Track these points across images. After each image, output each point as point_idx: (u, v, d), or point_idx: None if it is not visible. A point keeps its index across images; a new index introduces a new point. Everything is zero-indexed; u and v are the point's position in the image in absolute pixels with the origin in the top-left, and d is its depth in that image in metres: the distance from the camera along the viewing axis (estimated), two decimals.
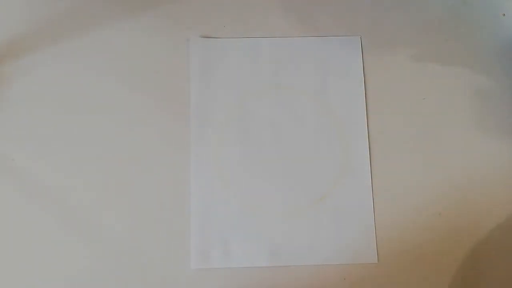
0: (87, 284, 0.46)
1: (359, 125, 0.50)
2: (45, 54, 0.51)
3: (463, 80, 0.52)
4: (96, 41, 0.51)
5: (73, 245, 0.46)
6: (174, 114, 0.50)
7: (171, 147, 0.49)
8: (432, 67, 0.52)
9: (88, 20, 0.52)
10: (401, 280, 0.47)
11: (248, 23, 0.52)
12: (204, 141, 0.49)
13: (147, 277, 0.46)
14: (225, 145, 0.49)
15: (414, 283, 0.47)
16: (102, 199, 0.47)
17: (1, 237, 0.46)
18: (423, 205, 0.48)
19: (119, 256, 0.46)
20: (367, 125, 0.50)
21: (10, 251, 0.46)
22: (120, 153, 0.49)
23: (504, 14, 0.54)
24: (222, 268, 0.46)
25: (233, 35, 0.52)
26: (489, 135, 0.50)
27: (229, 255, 0.47)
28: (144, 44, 0.52)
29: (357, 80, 0.51)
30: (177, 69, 0.51)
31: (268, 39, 0.52)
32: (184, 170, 0.48)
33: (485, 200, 0.49)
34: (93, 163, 0.48)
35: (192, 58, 0.51)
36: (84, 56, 0.51)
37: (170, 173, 0.48)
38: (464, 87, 0.52)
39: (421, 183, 0.49)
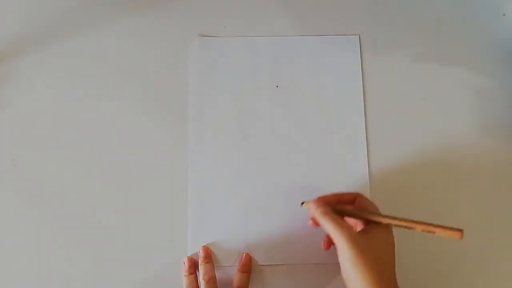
0: (86, 283, 0.46)
1: (358, 124, 0.50)
2: (45, 54, 0.51)
3: (463, 80, 0.52)
4: (96, 41, 0.52)
5: (73, 244, 0.46)
6: (173, 113, 0.50)
7: (170, 146, 0.49)
8: (432, 67, 0.52)
9: (88, 21, 0.52)
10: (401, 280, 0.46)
11: (247, 23, 0.53)
12: (203, 140, 0.49)
13: (146, 276, 0.46)
14: (223, 145, 0.49)
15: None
16: (100, 199, 0.47)
17: (1, 236, 0.47)
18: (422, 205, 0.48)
19: (118, 255, 0.46)
20: (366, 125, 0.50)
21: (10, 250, 0.46)
22: (120, 152, 0.49)
23: (504, 14, 0.54)
24: (220, 266, 0.46)
25: (233, 34, 0.52)
26: (489, 135, 0.50)
27: (227, 255, 0.47)
28: (144, 44, 0.52)
29: (355, 79, 0.51)
30: (177, 69, 0.51)
31: (267, 38, 0.52)
32: (183, 170, 0.48)
33: (485, 199, 0.48)
34: (93, 163, 0.48)
35: (191, 58, 0.51)
36: (84, 56, 0.51)
37: (168, 173, 0.48)
38: (464, 87, 0.51)
39: (420, 183, 0.49)
